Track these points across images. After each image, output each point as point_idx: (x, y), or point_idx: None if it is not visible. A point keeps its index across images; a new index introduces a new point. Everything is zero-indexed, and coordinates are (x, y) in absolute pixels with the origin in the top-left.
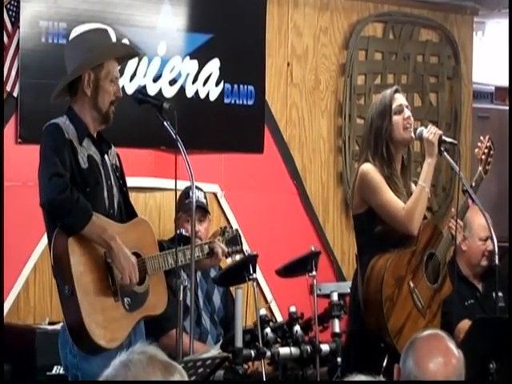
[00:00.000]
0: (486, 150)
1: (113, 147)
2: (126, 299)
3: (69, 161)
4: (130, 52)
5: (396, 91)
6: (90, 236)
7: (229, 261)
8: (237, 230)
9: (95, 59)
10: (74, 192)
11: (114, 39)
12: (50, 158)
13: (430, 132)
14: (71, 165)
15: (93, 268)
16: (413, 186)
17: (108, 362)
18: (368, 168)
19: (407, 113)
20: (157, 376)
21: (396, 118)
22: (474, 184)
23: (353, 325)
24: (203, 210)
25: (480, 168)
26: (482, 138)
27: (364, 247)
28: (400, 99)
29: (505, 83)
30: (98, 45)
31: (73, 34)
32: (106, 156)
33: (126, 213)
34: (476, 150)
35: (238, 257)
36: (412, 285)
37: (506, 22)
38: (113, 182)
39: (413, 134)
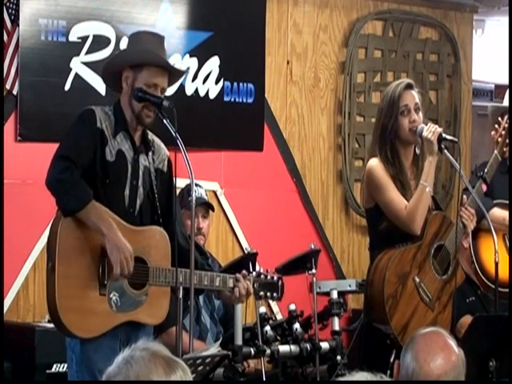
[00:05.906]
0: (504, 132)
1: (163, 152)
2: (113, 298)
3: (91, 149)
4: (166, 64)
5: (407, 87)
6: (85, 220)
7: (259, 302)
8: (280, 278)
9: (131, 58)
10: (74, 174)
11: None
12: (66, 141)
13: (429, 131)
14: (95, 154)
15: (85, 255)
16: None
17: (99, 348)
18: (374, 164)
19: (413, 116)
20: (159, 372)
21: (402, 120)
22: (487, 170)
23: (365, 317)
24: (207, 206)
25: (496, 151)
26: (500, 119)
27: (373, 242)
28: (408, 98)
29: (504, 81)
30: (141, 48)
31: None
32: (142, 156)
33: (150, 219)
34: (492, 132)
35: (271, 301)
36: (418, 280)
37: (506, 19)
38: (139, 183)
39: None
